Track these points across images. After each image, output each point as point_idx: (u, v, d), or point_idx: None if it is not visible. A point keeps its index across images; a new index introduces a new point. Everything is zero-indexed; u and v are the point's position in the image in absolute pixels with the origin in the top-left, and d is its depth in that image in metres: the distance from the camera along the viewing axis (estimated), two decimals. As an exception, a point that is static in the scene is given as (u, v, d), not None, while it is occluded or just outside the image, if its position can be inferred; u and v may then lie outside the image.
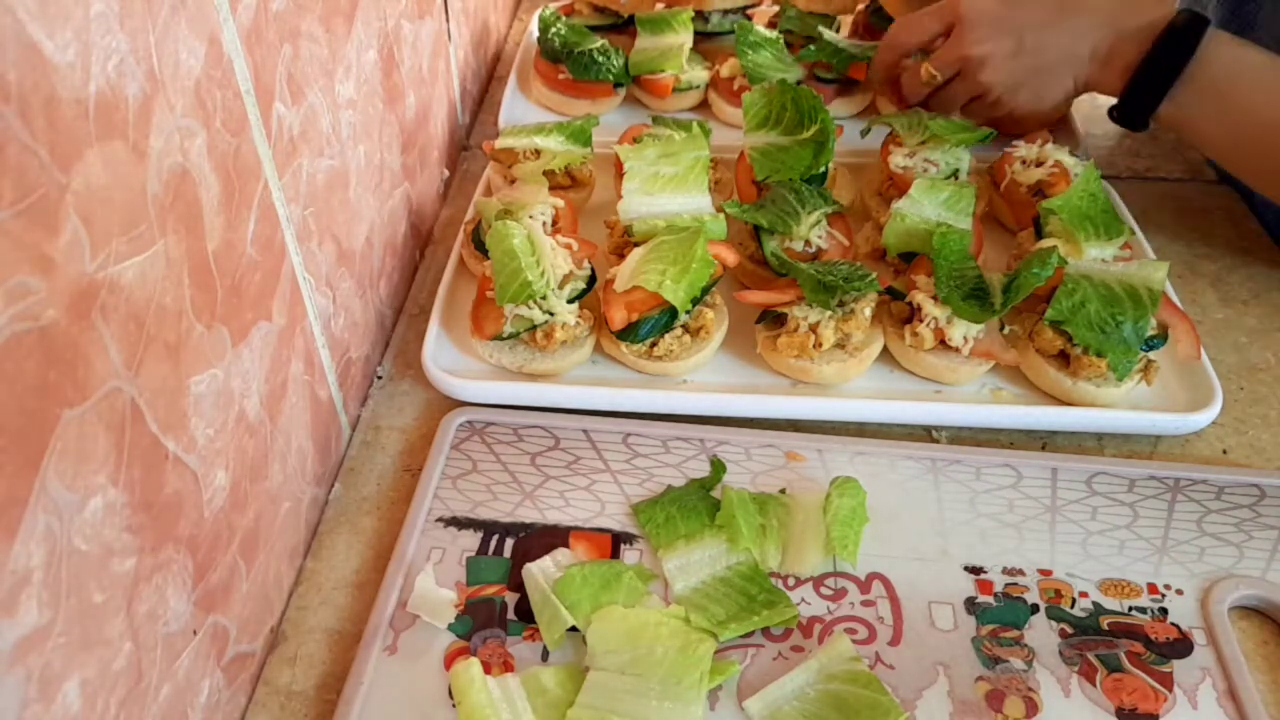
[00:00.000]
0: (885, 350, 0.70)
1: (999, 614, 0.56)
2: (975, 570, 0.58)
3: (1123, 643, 0.54)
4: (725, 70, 0.99)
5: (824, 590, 0.57)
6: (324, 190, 0.60)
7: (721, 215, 0.74)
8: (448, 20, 0.92)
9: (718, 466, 0.64)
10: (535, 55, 1.04)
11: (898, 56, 0.89)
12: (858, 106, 1.01)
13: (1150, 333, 0.65)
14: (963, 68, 0.82)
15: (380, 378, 0.73)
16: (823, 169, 0.78)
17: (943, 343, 0.68)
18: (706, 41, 1.06)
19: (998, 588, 0.57)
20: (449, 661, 0.53)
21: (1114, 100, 0.80)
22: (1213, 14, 0.95)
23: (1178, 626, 0.55)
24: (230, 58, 0.47)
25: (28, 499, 0.33)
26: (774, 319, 0.70)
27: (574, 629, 0.54)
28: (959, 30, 0.82)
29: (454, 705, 0.50)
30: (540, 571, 0.56)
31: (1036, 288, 0.66)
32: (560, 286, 0.69)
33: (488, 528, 0.60)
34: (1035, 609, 0.56)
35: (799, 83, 0.92)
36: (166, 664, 0.44)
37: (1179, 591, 0.57)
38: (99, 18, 0.36)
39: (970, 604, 0.56)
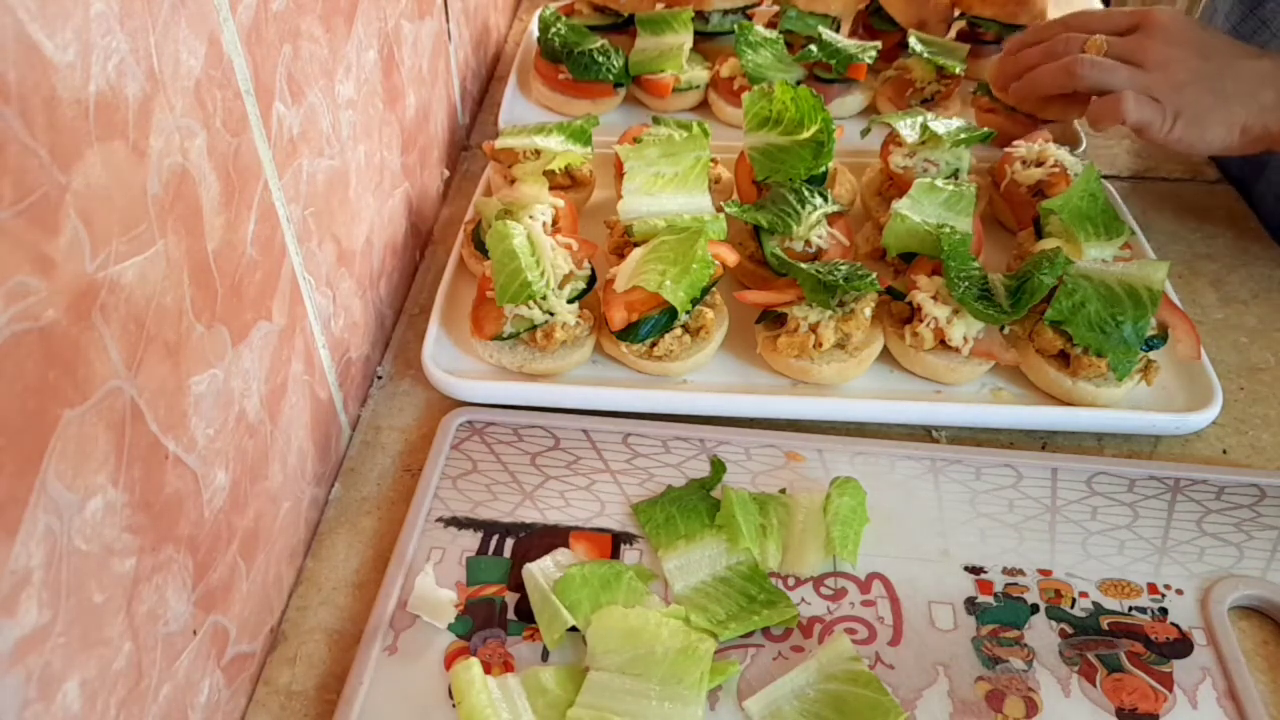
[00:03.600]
0: (885, 350, 0.70)
1: (999, 614, 0.56)
2: (975, 570, 0.58)
3: (1123, 643, 0.54)
4: (725, 70, 0.99)
5: (824, 590, 0.57)
6: (324, 190, 0.60)
7: (721, 215, 0.74)
8: (448, 20, 0.92)
9: (718, 466, 0.64)
10: (535, 55, 1.04)
11: (1057, 32, 0.82)
12: (858, 106, 1.01)
13: (1150, 333, 0.65)
14: (1141, 59, 0.77)
15: (380, 378, 0.73)
16: (823, 169, 0.78)
17: (943, 343, 0.68)
18: (706, 41, 1.06)
19: (998, 588, 0.57)
20: (449, 661, 0.53)
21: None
22: (1226, 17, 0.94)
23: (1178, 626, 0.55)
24: (230, 58, 0.47)
25: (28, 499, 0.33)
26: (774, 319, 0.70)
27: (574, 629, 0.54)
28: (1149, 29, 0.78)
29: (454, 705, 0.50)
30: (540, 571, 0.56)
31: (1048, 290, 0.66)
32: (560, 286, 0.69)
33: (488, 528, 0.60)
34: (1035, 609, 0.56)
35: (799, 83, 0.92)
36: (166, 664, 0.44)
37: (1179, 591, 0.57)
38: (99, 18, 0.36)
39: (970, 604, 0.56)
